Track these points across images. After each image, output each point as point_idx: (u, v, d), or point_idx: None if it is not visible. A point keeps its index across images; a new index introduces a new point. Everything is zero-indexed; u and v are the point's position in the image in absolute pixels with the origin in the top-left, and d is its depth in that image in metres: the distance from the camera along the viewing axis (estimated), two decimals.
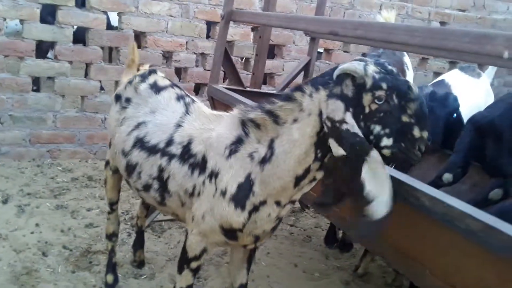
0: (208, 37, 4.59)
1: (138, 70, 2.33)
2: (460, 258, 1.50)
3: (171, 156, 1.85)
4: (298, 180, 1.61)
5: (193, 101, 2.04)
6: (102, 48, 4.12)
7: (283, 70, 5.01)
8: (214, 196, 1.71)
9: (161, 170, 1.87)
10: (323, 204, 1.67)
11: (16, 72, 3.85)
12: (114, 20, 4.41)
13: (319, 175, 1.62)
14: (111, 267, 2.43)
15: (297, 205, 2.93)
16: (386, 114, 1.45)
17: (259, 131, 1.65)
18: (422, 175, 2.24)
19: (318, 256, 3.09)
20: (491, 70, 3.88)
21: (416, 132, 1.46)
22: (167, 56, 4.45)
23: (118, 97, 2.20)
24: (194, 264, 1.86)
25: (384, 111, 1.45)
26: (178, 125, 1.90)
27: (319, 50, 4.98)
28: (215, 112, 1.96)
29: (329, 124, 1.46)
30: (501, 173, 2.18)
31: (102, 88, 4.28)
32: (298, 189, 1.65)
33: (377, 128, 1.47)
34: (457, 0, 6.72)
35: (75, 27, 3.99)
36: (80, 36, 4.14)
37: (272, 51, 4.96)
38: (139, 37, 4.23)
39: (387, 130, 1.46)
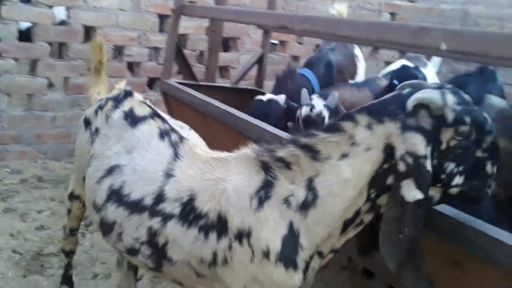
0: (161, 30, 4.52)
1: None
2: None
3: (167, 217, 1.47)
4: (346, 225, 1.37)
5: (181, 138, 1.64)
6: (50, 44, 3.97)
7: (238, 63, 5.00)
8: (252, 261, 1.37)
9: (153, 234, 1.50)
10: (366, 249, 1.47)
11: None
12: (62, 14, 4.26)
13: (368, 218, 1.38)
14: (67, 278, 2.30)
15: None
16: (464, 150, 1.27)
17: (289, 171, 1.37)
18: None
19: None
20: (437, 59, 4.03)
21: (489, 168, 1.31)
22: (119, 50, 4.35)
23: (87, 123, 1.83)
24: None
25: (463, 147, 1.26)
26: (168, 175, 1.52)
27: (275, 41, 5.02)
28: (214, 153, 1.58)
29: (410, 161, 1.22)
30: None
31: (51, 85, 4.14)
32: (344, 235, 1.40)
33: (451, 166, 1.28)
34: None
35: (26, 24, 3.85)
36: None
37: (227, 44, 4.94)
38: (89, 32, 4.11)
39: (461, 168, 1.28)
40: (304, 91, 2.82)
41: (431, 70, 3.75)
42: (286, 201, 1.35)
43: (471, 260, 1.32)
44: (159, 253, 1.51)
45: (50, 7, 3.87)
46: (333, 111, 2.73)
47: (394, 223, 1.24)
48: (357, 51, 4.05)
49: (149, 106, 1.76)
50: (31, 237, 2.82)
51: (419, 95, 1.25)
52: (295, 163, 1.36)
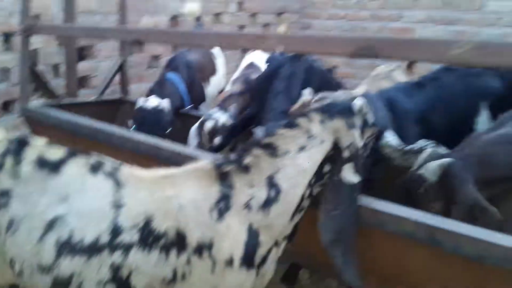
0: (6, 49, 4.25)
1: None
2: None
3: (127, 247, 1.45)
4: (294, 212, 1.53)
5: (116, 166, 1.58)
6: None
7: (97, 70, 4.93)
8: (213, 272, 1.44)
9: (116, 269, 1.45)
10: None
11: None
12: None
13: (307, 203, 1.57)
14: None
15: None
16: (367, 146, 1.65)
17: (247, 176, 1.48)
18: None
19: None
20: None
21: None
22: None
23: None
24: None
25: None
26: (117, 206, 1.48)
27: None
28: (158, 173, 1.56)
29: (353, 150, 1.52)
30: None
31: None
32: (291, 222, 1.55)
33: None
34: None
35: None
36: None
37: (82, 53, 4.82)
38: None
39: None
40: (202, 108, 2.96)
41: None
42: (247, 206, 1.45)
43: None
44: (123, 287, 1.47)
45: None
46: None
47: (332, 201, 1.51)
48: (218, 57, 4.32)
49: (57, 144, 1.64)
50: None
51: (360, 102, 1.58)
52: (254, 166, 1.48)
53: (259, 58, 3.82)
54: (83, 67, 4.64)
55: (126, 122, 3.24)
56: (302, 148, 1.49)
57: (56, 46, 4.47)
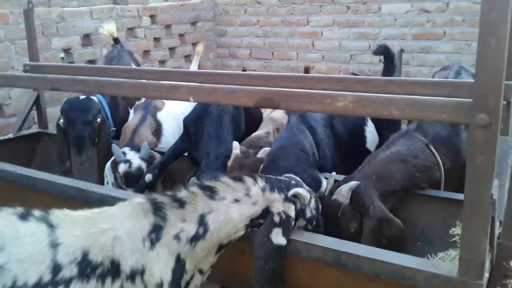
0: None
1: None
2: None
3: (68, 282, 1.53)
4: (221, 248, 1.76)
5: (45, 211, 1.65)
6: None
7: (10, 98, 4.77)
8: None
9: None
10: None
11: None
12: None
13: (230, 242, 1.80)
14: None
15: None
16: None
17: (182, 210, 1.65)
18: None
19: None
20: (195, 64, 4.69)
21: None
22: None
23: None
24: None
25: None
26: (55, 245, 1.55)
27: None
28: (93, 210, 1.68)
29: (283, 217, 1.75)
30: (195, 162, 2.83)
31: None
32: (218, 254, 1.78)
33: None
34: None
35: None
36: None
37: None
38: None
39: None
40: (115, 147, 2.97)
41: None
42: (177, 237, 1.62)
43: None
44: None
45: None
46: (147, 160, 2.95)
47: (262, 259, 1.73)
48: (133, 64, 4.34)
49: None
50: None
51: (300, 190, 1.82)
52: (190, 203, 1.66)
53: None
54: None
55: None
56: (236, 201, 1.72)
57: None
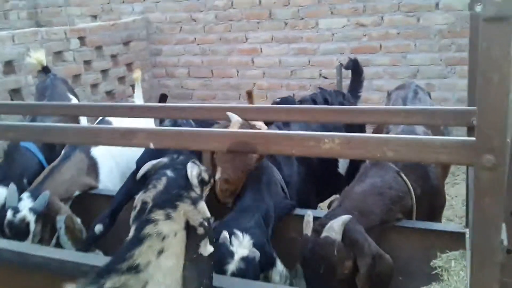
0: None
1: None
2: None
3: None
4: None
5: None
6: None
7: None
8: None
9: None
10: None
11: None
12: None
13: None
14: None
15: None
16: None
17: None
18: None
19: None
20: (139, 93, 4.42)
21: None
22: None
23: None
24: None
25: None
26: None
27: None
28: None
29: (206, 224, 1.51)
30: None
31: None
32: None
33: None
34: (85, 8, 6.97)
35: None
36: None
37: None
38: None
39: None
40: (12, 189, 2.55)
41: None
42: None
43: None
44: None
45: None
46: (42, 213, 2.51)
47: (196, 279, 1.48)
48: (74, 101, 3.95)
49: None
50: None
51: (192, 169, 1.58)
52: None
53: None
54: None
55: None
56: (160, 252, 1.46)
57: None
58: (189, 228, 1.51)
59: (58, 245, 2.62)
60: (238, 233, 1.90)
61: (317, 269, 1.77)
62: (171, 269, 1.47)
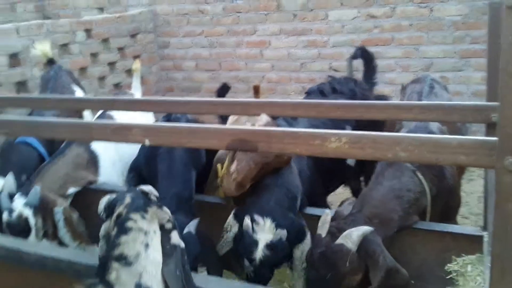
0: None
1: None
2: None
3: None
4: None
5: None
6: None
7: None
8: None
9: None
10: None
11: None
12: None
13: None
14: None
15: None
16: None
17: None
18: None
19: None
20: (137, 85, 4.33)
21: None
22: None
23: None
24: None
25: None
26: None
27: None
28: None
29: (172, 220, 1.59)
30: None
31: None
32: None
33: None
34: (92, 0, 6.89)
35: None
36: None
37: None
38: None
39: None
40: (3, 195, 2.49)
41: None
42: None
43: None
44: None
45: None
46: (38, 206, 2.45)
47: (173, 266, 1.52)
48: (78, 93, 3.87)
49: None
50: None
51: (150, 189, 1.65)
52: (115, 284, 1.41)
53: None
54: None
55: None
56: (147, 246, 1.51)
57: None
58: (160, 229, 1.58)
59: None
60: (259, 218, 1.83)
61: (324, 274, 1.67)
62: (160, 264, 1.50)
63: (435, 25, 5.40)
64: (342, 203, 2.18)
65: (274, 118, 2.30)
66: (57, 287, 1.71)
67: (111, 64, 6.07)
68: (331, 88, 2.87)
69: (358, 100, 2.39)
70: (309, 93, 2.86)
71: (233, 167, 2.09)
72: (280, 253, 1.85)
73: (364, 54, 3.68)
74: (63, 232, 2.50)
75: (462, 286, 1.80)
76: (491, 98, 1.89)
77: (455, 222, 2.37)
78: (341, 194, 3.33)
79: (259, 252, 1.82)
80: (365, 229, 1.72)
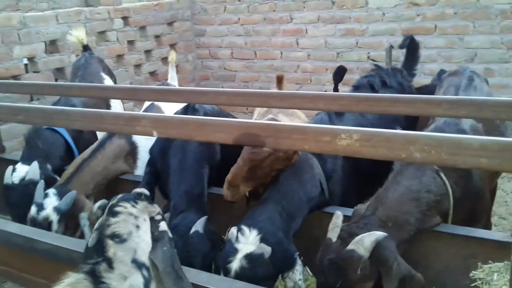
0: None
1: None
2: None
3: None
4: None
5: None
6: None
7: None
8: None
9: None
10: None
11: None
12: None
13: None
14: None
15: None
16: None
17: (114, 271, 1.43)
18: None
19: None
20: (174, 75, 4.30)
21: None
22: None
23: None
24: None
25: None
26: None
27: None
28: None
29: (161, 213, 1.66)
30: (165, 196, 2.45)
31: None
32: None
33: None
34: None
35: None
36: None
37: None
38: None
39: None
40: (40, 184, 2.50)
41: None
42: None
43: None
44: None
45: None
46: (65, 213, 2.45)
47: (161, 250, 1.55)
48: (107, 81, 3.90)
49: None
50: None
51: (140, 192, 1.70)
52: (113, 259, 1.44)
53: None
54: None
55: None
56: (137, 227, 1.56)
57: None
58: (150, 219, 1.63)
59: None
60: (245, 228, 1.74)
61: (334, 282, 1.58)
62: (149, 244, 1.55)
63: (481, 13, 5.09)
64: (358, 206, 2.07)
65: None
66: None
67: (147, 52, 6.12)
68: (381, 81, 2.70)
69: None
70: (357, 87, 2.69)
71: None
72: (258, 270, 1.69)
73: (411, 44, 3.45)
74: (88, 236, 2.50)
75: None
76: None
77: (486, 226, 2.21)
78: None
79: (236, 262, 1.71)
80: (378, 234, 1.61)
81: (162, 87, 2.63)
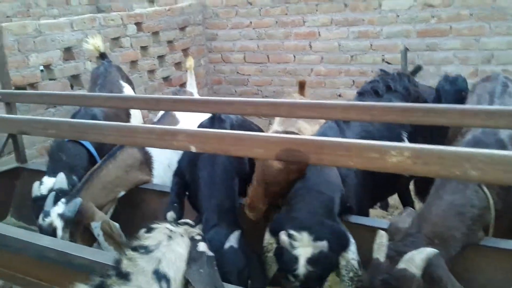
0: None
1: None
2: None
3: None
4: None
5: None
6: None
7: None
8: None
9: None
10: None
11: None
12: None
13: None
14: None
15: None
16: None
17: (131, 282, 1.40)
18: None
19: None
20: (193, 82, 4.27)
21: None
22: None
23: None
24: None
25: None
26: None
27: None
28: None
29: (201, 234, 1.68)
30: (195, 208, 2.43)
31: None
32: None
33: None
34: None
35: None
36: None
37: None
38: None
39: None
40: (51, 195, 2.51)
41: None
42: None
43: None
44: None
45: None
46: (72, 219, 2.43)
47: (197, 269, 1.52)
48: (126, 89, 3.89)
49: None
50: None
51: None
52: (132, 271, 1.40)
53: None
54: None
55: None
56: (170, 238, 1.55)
57: None
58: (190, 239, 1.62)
59: None
60: (294, 232, 1.75)
61: None
62: (182, 256, 1.52)
63: (498, 14, 5.04)
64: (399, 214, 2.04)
65: None
66: None
67: (161, 57, 6.12)
68: (386, 86, 2.68)
69: (415, 103, 2.23)
70: (361, 94, 2.67)
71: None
72: (324, 266, 1.75)
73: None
74: (105, 246, 2.49)
75: None
76: None
77: None
78: None
79: (302, 268, 1.74)
80: (429, 251, 1.57)
81: (186, 97, 2.62)
